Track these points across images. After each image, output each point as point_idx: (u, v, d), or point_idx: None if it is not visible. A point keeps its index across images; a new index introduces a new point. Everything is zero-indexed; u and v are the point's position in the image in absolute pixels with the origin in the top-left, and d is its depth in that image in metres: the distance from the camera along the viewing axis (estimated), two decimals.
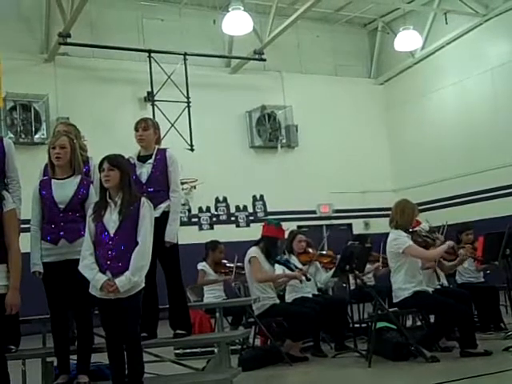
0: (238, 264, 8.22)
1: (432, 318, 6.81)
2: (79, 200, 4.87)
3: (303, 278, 7.21)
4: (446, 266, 7.51)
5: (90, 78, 14.59)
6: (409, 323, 8.06)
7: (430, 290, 6.55)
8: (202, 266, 8.44)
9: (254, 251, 7.02)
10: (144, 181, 5.40)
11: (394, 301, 6.44)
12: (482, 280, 8.33)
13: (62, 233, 4.80)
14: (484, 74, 15.54)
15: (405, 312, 6.96)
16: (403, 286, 6.28)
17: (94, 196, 4.89)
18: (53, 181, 4.93)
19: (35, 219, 4.89)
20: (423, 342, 6.20)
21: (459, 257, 7.34)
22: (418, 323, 7.77)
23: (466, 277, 8.23)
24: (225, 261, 8.60)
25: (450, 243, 6.66)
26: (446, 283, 7.68)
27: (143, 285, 4.58)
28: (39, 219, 4.89)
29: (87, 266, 4.53)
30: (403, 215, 6.45)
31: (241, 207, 16.11)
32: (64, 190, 4.86)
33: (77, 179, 4.93)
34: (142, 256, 4.53)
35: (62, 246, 4.79)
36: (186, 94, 15.03)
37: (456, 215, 14.16)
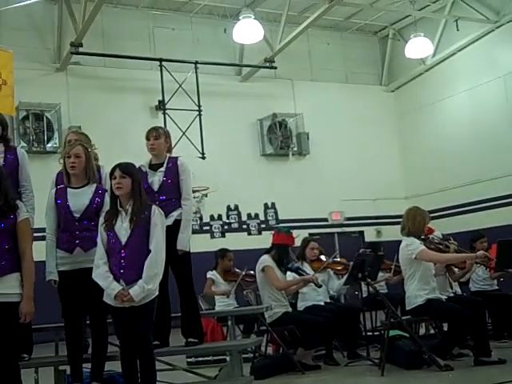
0: (250, 272, 8.20)
1: (445, 326, 6.76)
2: (94, 209, 4.88)
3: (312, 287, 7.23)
4: (455, 275, 7.46)
5: (102, 87, 14.66)
6: (422, 331, 8.01)
7: (443, 297, 6.51)
8: (211, 274, 8.45)
9: (266, 260, 7.00)
10: (156, 189, 5.41)
11: (407, 308, 6.41)
12: (496, 288, 8.27)
13: (77, 241, 4.81)
14: (496, 81, 15.47)
15: (418, 320, 6.92)
16: (416, 293, 6.25)
17: (108, 204, 4.89)
18: (68, 190, 4.93)
19: (51, 228, 4.90)
20: (437, 351, 6.15)
21: (467, 264, 7.28)
22: (432, 331, 7.72)
23: (480, 284, 8.17)
24: (236, 269, 8.60)
25: (480, 253, 6.56)
26: (459, 291, 7.63)
27: (157, 293, 4.59)
28: (55, 228, 4.89)
29: (101, 275, 4.54)
30: (414, 222, 6.42)
31: (252, 215, 16.09)
32: (79, 198, 4.87)
33: (92, 188, 4.94)
34: (155, 264, 4.54)
35: (77, 254, 4.80)
36: (197, 103, 15.07)
37: (468, 223, 14.13)
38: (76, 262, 4.80)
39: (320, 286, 7.35)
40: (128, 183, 4.62)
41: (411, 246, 6.29)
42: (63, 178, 5.05)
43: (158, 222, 4.63)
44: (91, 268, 4.64)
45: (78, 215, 4.83)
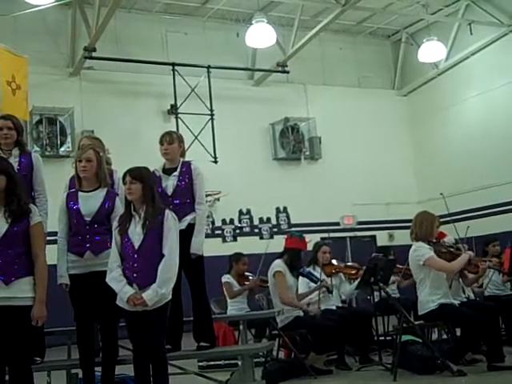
0: (262, 278, 8.21)
1: (458, 331, 6.73)
2: (105, 212, 4.90)
3: (325, 292, 7.23)
4: (468, 279, 7.41)
5: (115, 92, 14.73)
6: (434, 336, 7.97)
7: (456, 302, 6.47)
8: (226, 278, 8.46)
9: (278, 265, 6.98)
10: (170, 193, 5.43)
11: (420, 313, 6.38)
12: (509, 292, 8.21)
13: (87, 245, 4.82)
14: (509, 85, 15.37)
15: (430, 325, 6.89)
16: (428, 297, 6.23)
17: (119, 208, 4.90)
18: (79, 193, 4.96)
19: (62, 231, 4.93)
20: (449, 356, 6.13)
21: (480, 269, 7.23)
22: (444, 336, 7.69)
23: (493, 289, 8.13)
24: (248, 273, 8.61)
25: (469, 253, 6.56)
26: (471, 296, 7.59)
27: (170, 297, 4.59)
28: (66, 231, 4.92)
29: (115, 279, 4.55)
30: (421, 227, 6.42)
31: (264, 219, 16.09)
32: (90, 202, 4.90)
33: (103, 192, 4.96)
34: (168, 268, 4.54)
35: (87, 258, 4.82)
36: (209, 107, 15.11)
37: (482, 227, 14.01)
38: (87, 265, 4.82)
39: (330, 292, 7.36)
40: (138, 188, 4.63)
41: (419, 252, 6.29)
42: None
43: (172, 226, 4.64)
44: (102, 271, 4.66)
45: (88, 219, 4.86)
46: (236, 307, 8.33)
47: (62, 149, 14.08)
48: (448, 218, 7.26)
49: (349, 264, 8.34)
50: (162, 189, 5.39)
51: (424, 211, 6.73)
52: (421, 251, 6.28)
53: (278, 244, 7.70)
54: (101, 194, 4.95)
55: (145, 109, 14.93)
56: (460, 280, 7.22)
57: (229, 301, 8.46)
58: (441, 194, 7.58)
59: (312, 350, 6.84)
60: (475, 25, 15.73)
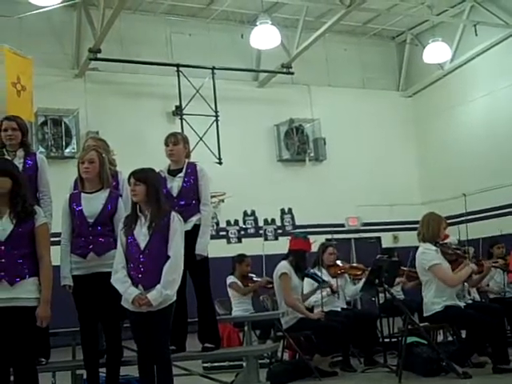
0: (268, 279, 8.20)
1: (464, 333, 6.70)
2: (108, 213, 4.90)
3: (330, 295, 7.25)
4: (473, 280, 7.38)
5: (120, 93, 14.75)
6: (440, 338, 7.94)
7: (462, 304, 6.45)
8: (232, 279, 8.46)
9: (284, 266, 6.97)
10: (175, 194, 5.44)
11: (425, 314, 6.37)
12: None
13: (90, 246, 4.83)
14: None
15: (436, 327, 6.87)
16: (434, 299, 6.22)
17: (122, 209, 4.92)
18: (82, 195, 4.97)
19: (65, 233, 4.93)
20: (455, 358, 6.10)
21: (484, 268, 7.21)
22: (450, 338, 7.66)
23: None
24: (251, 274, 8.60)
25: (473, 266, 6.51)
26: (477, 297, 7.56)
27: (175, 298, 4.59)
28: (69, 233, 4.92)
29: (119, 280, 4.56)
30: (428, 228, 6.42)
31: (269, 220, 16.08)
32: (93, 203, 4.90)
33: (105, 193, 4.96)
34: (173, 269, 4.55)
35: (90, 259, 4.82)
36: (214, 108, 15.10)
37: (487, 228, 13.97)
38: (90, 266, 4.82)
39: (335, 292, 7.35)
40: (142, 190, 4.64)
41: (425, 256, 6.27)
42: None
43: (177, 227, 4.65)
44: (106, 272, 4.67)
45: (91, 220, 4.86)
46: (241, 308, 8.32)
47: (67, 150, 14.10)
48: (462, 218, 7.25)
49: (354, 265, 8.32)
50: (167, 190, 5.39)
51: (431, 212, 6.72)
52: (428, 256, 6.26)
53: (283, 245, 7.69)
54: (103, 195, 4.95)
55: (149, 110, 14.94)
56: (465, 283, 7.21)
57: (233, 302, 8.45)
58: (463, 194, 7.55)
59: (317, 352, 6.83)
60: (480, 26, 15.68)
